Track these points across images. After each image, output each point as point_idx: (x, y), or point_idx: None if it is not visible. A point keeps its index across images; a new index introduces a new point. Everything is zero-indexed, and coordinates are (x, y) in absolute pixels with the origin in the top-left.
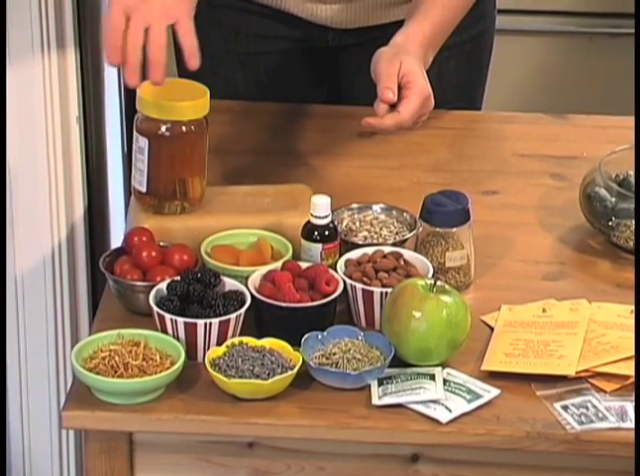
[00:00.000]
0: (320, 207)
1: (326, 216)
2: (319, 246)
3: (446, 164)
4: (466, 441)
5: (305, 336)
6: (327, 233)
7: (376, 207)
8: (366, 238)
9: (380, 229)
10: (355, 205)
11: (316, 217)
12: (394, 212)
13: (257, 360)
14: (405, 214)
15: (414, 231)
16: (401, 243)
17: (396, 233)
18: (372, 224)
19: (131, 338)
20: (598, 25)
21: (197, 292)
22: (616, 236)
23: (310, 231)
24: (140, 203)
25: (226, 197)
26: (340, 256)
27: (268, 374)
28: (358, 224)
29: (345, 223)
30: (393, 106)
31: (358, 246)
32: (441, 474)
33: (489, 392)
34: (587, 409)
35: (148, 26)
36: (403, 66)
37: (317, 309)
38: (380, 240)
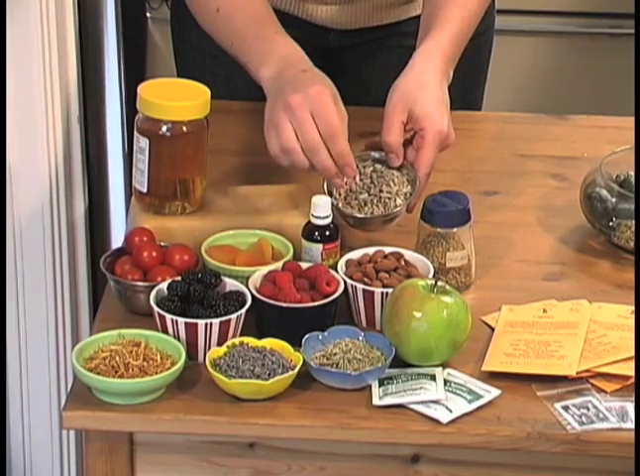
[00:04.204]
0: (321, 207)
1: (327, 216)
2: (320, 246)
3: (446, 164)
4: (466, 442)
5: (306, 336)
6: (328, 233)
7: (375, 154)
8: (365, 203)
9: (380, 191)
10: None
11: (317, 217)
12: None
13: (257, 360)
14: (405, 163)
15: (416, 187)
16: (400, 209)
17: (396, 193)
18: (372, 179)
19: (131, 338)
20: (599, 25)
21: (198, 292)
22: (617, 236)
23: (311, 231)
24: (140, 203)
25: (226, 198)
26: (340, 255)
27: (269, 374)
28: (357, 179)
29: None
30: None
31: (357, 220)
32: (441, 474)
33: (490, 392)
34: (588, 409)
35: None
36: (416, 111)
37: (318, 310)
38: (381, 206)
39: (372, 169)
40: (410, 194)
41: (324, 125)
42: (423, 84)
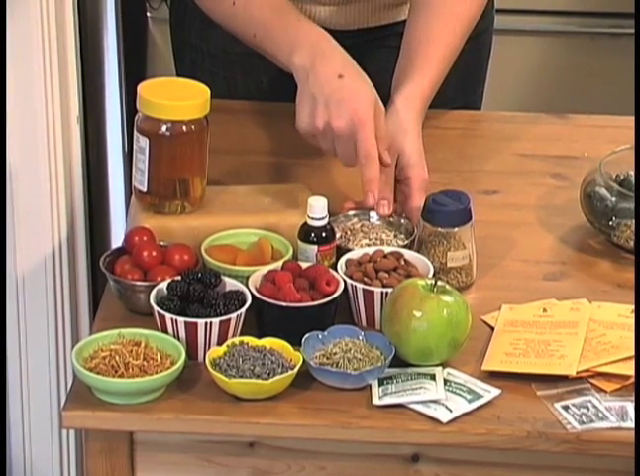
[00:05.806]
0: (316, 209)
1: (322, 218)
2: (314, 248)
3: (446, 164)
4: (466, 441)
5: (306, 336)
6: (323, 235)
7: (358, 213)
8: (369, 246)
9: (380, 235)
10: (350, 213)
11: (313, 219)
12: (390, 219)
13: (257, 360)
14: (402, 220)
15: (414, 234)
16: (403, 247)
17: (395, 236)
18: (363, 233)
19: (131, 338)
20: (599, 25)
21: (198, 291)
22: (617, 236)
23: (307, 233)
24: (140, 203)
25: (226, 197)
26: (337, 258)
27: (269, 374)
28: (349, 233)
29: (340, 233)
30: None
31: None
32: (441, 474)
33: (490, 392)
34: (588, 408)
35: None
36: (402, 161)
37: (318, 309)
38: (385, 245)
39: (360, 225)
40: (407, 238)
41: (361, 150)
42: (407, 132)
